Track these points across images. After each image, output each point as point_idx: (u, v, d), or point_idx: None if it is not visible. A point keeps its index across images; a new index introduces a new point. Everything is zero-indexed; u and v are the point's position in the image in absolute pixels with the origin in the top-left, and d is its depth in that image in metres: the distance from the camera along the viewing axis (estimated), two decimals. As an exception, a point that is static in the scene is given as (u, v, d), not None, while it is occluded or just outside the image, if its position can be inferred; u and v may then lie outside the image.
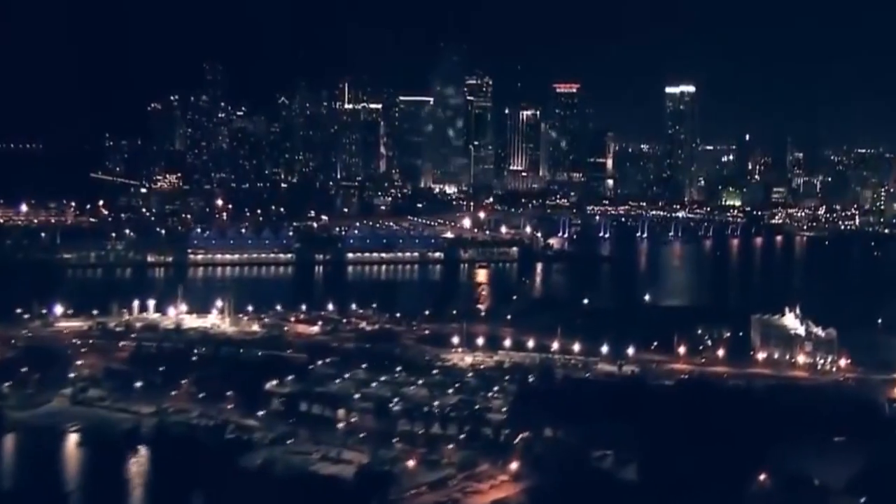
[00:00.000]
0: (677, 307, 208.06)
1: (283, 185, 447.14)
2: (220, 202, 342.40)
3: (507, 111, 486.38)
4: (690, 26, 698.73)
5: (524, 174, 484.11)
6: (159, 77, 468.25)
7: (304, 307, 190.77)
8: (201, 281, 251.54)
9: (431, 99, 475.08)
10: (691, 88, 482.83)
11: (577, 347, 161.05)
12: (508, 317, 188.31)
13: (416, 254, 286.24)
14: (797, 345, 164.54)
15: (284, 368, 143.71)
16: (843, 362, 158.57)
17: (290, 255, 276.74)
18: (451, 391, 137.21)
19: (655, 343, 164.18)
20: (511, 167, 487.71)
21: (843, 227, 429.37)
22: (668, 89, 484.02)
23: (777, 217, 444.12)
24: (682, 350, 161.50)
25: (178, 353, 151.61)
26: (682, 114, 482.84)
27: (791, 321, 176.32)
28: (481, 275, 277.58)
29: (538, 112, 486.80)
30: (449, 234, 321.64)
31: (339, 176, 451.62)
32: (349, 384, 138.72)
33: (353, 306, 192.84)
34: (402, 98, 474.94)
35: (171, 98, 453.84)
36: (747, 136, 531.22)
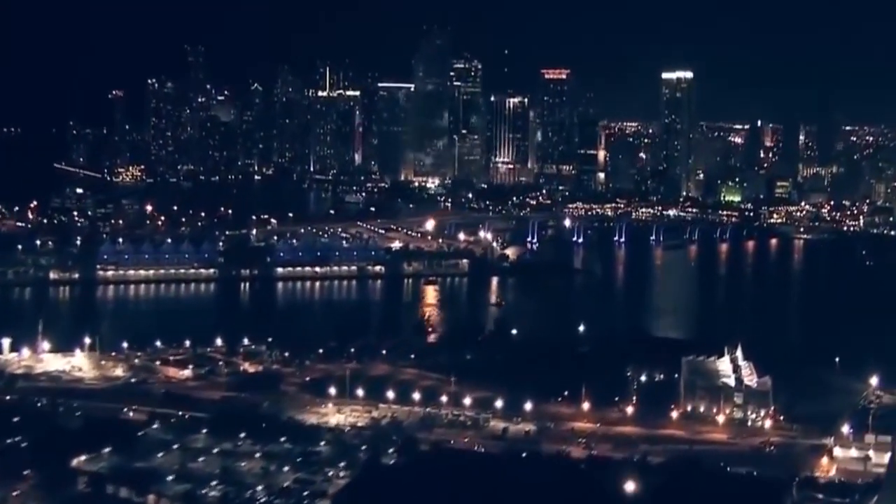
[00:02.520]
0: (615, 340, 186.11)
1: (256, 177, 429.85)
2: (149, 208, 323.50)
3: (493, 99, 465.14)
4: (689, 6, 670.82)
5: (511, 167, 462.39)
6: (132, 64, 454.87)
7: (186, 343, 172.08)
8: (111, 302, 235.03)
9: (413, 85, 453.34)
10: (689, 74, 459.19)
11: (472, 399, 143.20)
12: (412, 356, 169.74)
13: (353, 267, 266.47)
14: (724, 397, 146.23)
15: (113, 433, 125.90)
16: (775, 420, 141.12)
17: (212, 271, 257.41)
18: (288, 467, 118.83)
19: (567, 391, 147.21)
20: (497, 159, 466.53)
21: (846, 228, 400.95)
22: (665, 75, 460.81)
23: (775, 216, 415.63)
24: (595, 402, 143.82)
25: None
26: (679, 101, 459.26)
27: (724, 366, 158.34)
28: (425, 292, 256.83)
29: (526, 100, 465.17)
30: (396, 244, 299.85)
31: (311, 169, 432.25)
32: (174, 457, 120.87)
33: (246, 340, 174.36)
34: (382, 84, 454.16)
35: (150, 81, 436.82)
36: (759, 122, 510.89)
